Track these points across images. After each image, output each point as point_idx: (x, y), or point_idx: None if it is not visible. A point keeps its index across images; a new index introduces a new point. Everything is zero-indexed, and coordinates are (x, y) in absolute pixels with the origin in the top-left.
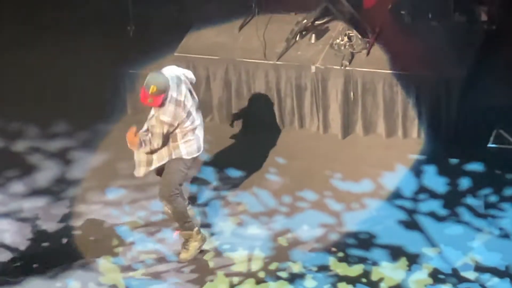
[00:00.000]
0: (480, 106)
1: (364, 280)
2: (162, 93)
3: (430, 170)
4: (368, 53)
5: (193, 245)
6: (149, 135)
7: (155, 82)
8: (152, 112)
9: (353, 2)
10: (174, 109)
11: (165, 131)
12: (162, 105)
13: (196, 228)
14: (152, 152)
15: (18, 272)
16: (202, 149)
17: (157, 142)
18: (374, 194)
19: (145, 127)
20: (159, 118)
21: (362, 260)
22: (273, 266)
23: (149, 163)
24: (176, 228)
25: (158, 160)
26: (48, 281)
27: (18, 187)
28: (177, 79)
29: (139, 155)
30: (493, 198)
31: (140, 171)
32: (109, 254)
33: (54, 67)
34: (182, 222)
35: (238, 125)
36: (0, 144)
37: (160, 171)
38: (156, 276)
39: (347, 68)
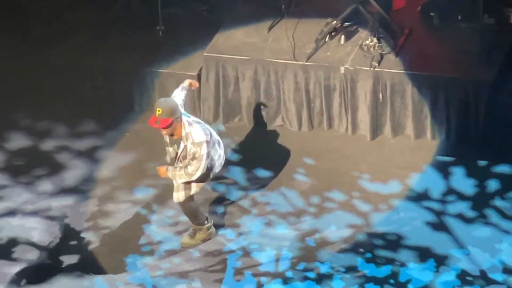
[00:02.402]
0: (509, 108)
1: (391, 281)
2: (169, 115)
3: (458, 172)
4: (397, 55)
5: (199, 236)
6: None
7: (161, 106)
8: (171, 149)
9: (382, 3)
10: (199, 126)
11: (207, 150)
12: (179, 128)
13: (208, 224)
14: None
15: (46, 271)
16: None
17: (198, 165)
18: (402, 195)
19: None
20: (195, 142)
21: (390, 261)
22: (300, 266)
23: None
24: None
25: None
26: (75, 279)
27: (46, 185)
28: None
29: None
30: None
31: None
32: (137, 253)
33: (83, 66)
34: (193, 219)
35: (266, 126)
36: (28, 143)
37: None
38: (183, 275)
39: (376, 69)
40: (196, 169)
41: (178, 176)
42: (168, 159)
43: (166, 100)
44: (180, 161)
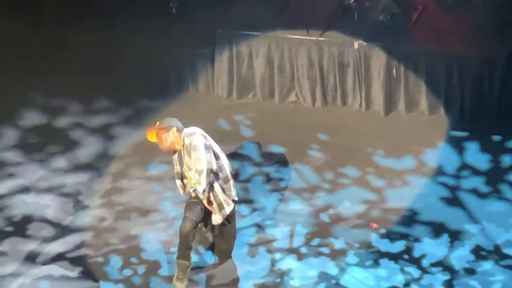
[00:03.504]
0: None
1: (406, 256)
2: (162, 125)
3: (472, 147)
4: (411, 31)
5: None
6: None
7: (160, 121)
8: (178, 166)
9: None
10: (200, 138)
11: (200, 139)
12: (178, 141)
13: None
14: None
15: (59, 248)
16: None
17: (198, 155)
18: (416, 171)
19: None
20: (191, 144)
21: (404, 236)
22: (315, 242)
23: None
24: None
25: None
26: (90, 256)
27: (60, 162)
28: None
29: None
30: None
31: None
32: (151, 229)
33: (97, 44)
34: (184, 248)
35: (280, 102)
36: (43, 120)
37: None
38: (198, 251)
39: (389, 45)
40: (199, 161)
41: (196, 183)
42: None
43: (167, 118)
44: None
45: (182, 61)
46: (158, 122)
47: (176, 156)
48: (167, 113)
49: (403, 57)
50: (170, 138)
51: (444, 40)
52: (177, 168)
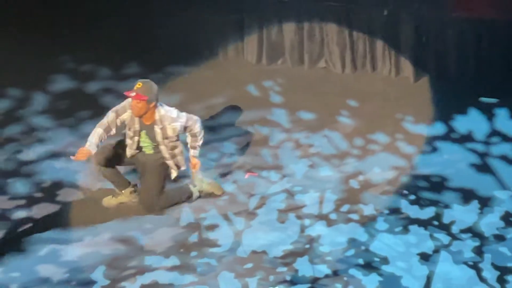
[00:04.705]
0: None
1: (435, 222)
2: (145, 93)
3: (502, 114)
4: None
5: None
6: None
7: (142, 81)
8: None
9: None
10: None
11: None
12: (152, 113)
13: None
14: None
15: (91, 212)
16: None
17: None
18: (446, 137)
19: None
20: (173, 117)
21: (433, 203)
22: (344, 208)
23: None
24: (247, 170)
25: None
26: (120, 224)
27: (90, 128)
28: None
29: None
30: None
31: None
32: None
33: (125, 8)
34: (181, 200)
35: (309, 68)
36: (72, 86)
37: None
38: (227, 217)
39: (419, 11)
40: (193, 120)
41: (199, 140)
42: (128, 153)
43: (149, 81)
44: (165, 145)
45: (211, 27)
46: (139, 83)
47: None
48: (196, 78)
49: (433, 23)
50: (144, 110)
51: (473, 6)
52: (135, 126)
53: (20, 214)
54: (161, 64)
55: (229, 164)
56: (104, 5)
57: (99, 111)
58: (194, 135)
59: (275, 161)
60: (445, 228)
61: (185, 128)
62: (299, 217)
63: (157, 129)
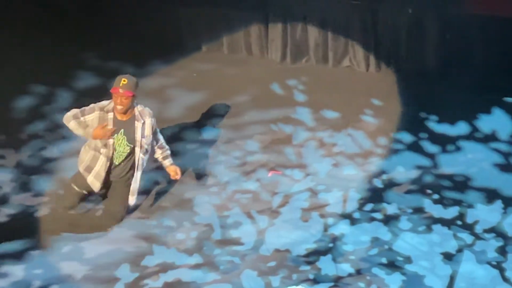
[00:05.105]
0: None
1: (459, 222)
2: (132, 89)
3: None
4: None
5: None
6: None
7: (127, 77)
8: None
9: None
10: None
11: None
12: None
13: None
14: None
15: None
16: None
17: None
18: (470, 137)
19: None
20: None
21: (457, 202)
22: (367, 207)
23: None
24: (271, 169)
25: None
26: (143, 220)
27: None
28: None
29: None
30: None
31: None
32: (205, 194)
33: (150, 7)
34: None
35: (334, 66)
36: (97, 82)
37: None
38: (250, 216)
39: (442, 9)
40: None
41: (167, 149)
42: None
43: (131, 76)
44: (140, 146)
45: (236, 24)
46: (124, 80)
47: (110, 115)
48: (220, 75)
49: (456, 22)
50: (129, 106)
51: (497, 4)
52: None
53: (44, 211)
54: (186, 61)
55: (252, 162)
56: (128, 2)
57: None
58: (161, 147)
59: (299, 160)
60: (469, 227)
61: (154, 131)
62: (322, 216)
63: (138, 124)
